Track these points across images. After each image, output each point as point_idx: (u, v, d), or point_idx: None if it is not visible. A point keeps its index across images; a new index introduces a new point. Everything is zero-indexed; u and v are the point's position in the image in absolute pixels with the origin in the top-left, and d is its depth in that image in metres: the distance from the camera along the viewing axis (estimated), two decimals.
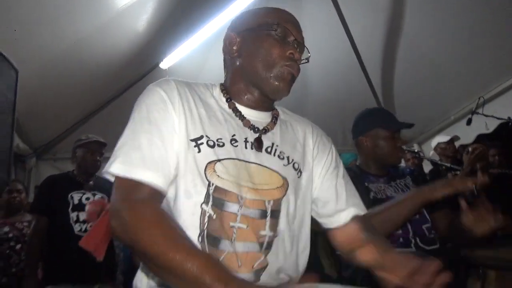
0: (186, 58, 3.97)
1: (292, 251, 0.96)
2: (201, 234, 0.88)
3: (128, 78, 4.13)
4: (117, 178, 0.87)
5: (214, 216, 0.88)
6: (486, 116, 3.08)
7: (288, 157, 1.03)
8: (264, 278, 0.90)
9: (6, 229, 2.84)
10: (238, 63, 1.06)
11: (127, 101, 4.21)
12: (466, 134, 3.83)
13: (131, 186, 0.85)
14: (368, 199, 1.69)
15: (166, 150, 0.90)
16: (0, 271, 2.70)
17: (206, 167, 0.91)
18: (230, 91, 1.07)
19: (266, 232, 0.91)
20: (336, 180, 1.10)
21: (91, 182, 2.73)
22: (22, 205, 3.05)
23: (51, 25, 3.14)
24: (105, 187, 2.70)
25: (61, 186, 2.66)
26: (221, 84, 1.10)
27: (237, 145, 0.96)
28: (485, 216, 1.39)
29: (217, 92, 1.07)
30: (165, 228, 0.78)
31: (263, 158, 0.99)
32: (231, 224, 0.88)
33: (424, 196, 1.50)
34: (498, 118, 3.04)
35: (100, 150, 2.77)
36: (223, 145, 0.95)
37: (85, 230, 2.53)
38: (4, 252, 2.75)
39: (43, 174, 4.46)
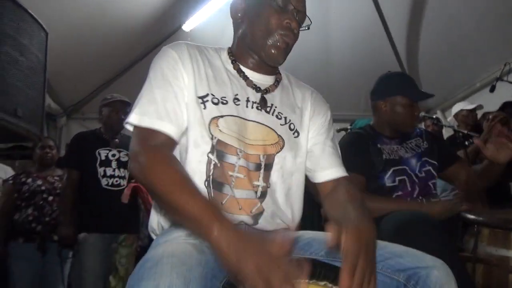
0: (208, 20, 4.00)
1: (286, 202, 1.06)
2: (207, 179, 0.99)
3: (152, 40, 4.21)
4: (135, 127, 0.98)
5: (219, 165, 0.99)
6: (511, 83, 3.01)
7: (285, 118, 1.11)
8: (261, 222, 1.02)
9: (39, 182, 3.02)
10: (241, 29, 1.12)
11: (151, 62, 4.31)
12: (492, 102, 3.75)
13: (147, 133, 0.95)
14: (381, 160, 1.76)
15: (178, 103, 1.00)
16: (35, 220, 2.90)
17: (210, 122, 1.01)
18: (235, 54, 1.14)
19: (260, 182, 1.02)
20: (324, 140, 1.17)
21: (116, 140, 2.85)
22: (54, 160, 3.20)
23: None
24: (129, 145, 2.83)
25: (90, 142, 2.80)
26: (229, 48, 1.17)
27: (239, 104, 1.05)
28: (503, 142, 1.46)
29: (224, 55, 1.15)
30: (174, 171, 0.86)
31: (262, 116, 1.07)
32: (230, 173, 0.99)
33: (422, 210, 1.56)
34: None
35: (125, 109, 2.85)
36: (226, 103, 1.04)
37: (112, 185, 2.69)
38: (38, 203, 2.93)
39: (72, 132, 4.68)
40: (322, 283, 0.81)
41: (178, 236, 0.91)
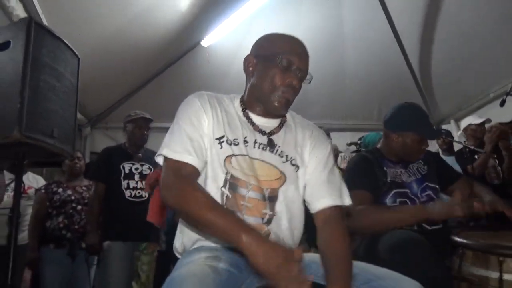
0: (226, 37, 4.17)
1: (289, 227, 1.23)
2: None
3: (172, 55, 4.40)
4: (167, 160, 1.16)
5: (230, 196, 1.18)
6: None
7: (287, 156, 1.29)
8: None
9: (69, 192, 3.24)
10: (251, 81, 1.31)
11: (171, 75, 4.53)
12: (504, 113, 3.78)
13: (178, 165, 1.15)
14: (385, 182, 1.90)
15: (202, 143, 1.20)
16: (65, 227, 3.11)
17: (225, 159, 1.20)
18: (246, 102, 1.34)
19: (267, 211, 1.20)
20: (320, 173, 1.30)
21: (139, 154, 3.06)
22: (82, 171, 3.42)
23: (102, 7, 3.43)
24: (151, 159, 3.03)
25: (115, 157, 3.01)
26: (241, 96, 1.36)
27: (247, 145, 1.25)
28: None
29: (237, 103, 1.34)
30: (203, 196, 1.07)
31: (267, 156, 1.26)
32: (241, 202, 1.18)
33: (423, 215, 1.70)
34: None
35: (147, 125, 3.08)
36: (238, 144, 1.23)
37: (135, 196, 2.89)
38: (68, 212, 3.15)
39: (96, 141, 4.96)
40: None
41: (198, 258, 1.09)
